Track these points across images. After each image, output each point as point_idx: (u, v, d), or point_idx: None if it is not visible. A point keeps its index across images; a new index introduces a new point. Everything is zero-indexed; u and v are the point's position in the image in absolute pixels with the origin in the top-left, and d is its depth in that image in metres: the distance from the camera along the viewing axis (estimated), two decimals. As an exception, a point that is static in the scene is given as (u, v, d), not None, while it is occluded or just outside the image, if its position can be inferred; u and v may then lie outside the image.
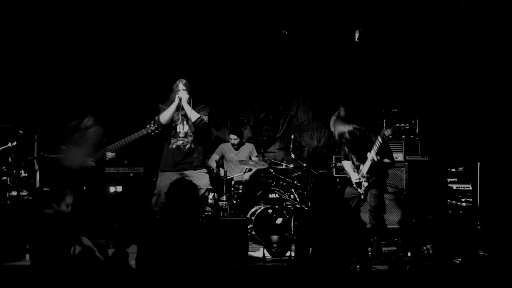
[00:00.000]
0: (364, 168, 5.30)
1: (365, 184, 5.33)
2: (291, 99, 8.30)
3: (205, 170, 5.57)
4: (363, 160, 5.31)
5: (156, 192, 5.32)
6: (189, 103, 5.36)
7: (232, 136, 7.05)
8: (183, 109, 5.34)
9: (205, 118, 5.38)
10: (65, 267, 3.74)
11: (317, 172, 6.58)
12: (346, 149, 5.53)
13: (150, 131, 5.48)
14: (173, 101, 5.37)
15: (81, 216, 5.22)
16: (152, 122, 5.51)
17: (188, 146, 5.41)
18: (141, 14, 6.89)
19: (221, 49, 7.73)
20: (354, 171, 5.48)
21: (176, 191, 3.24)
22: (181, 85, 5.38)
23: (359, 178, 5.38)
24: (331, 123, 5.37)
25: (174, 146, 5.42)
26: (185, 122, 5.43)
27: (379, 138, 5.09)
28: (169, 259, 3.06)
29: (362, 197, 5.39)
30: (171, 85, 5.53)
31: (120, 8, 6.73)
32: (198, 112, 5.38)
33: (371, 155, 5.14)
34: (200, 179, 5.30)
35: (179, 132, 5.43)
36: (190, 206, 3.20)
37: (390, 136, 5.10)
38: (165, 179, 5.22)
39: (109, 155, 5.64)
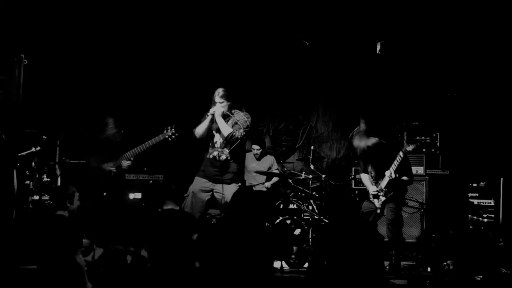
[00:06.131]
0: (383, 183, 5.30)
1: (383, 198, 5.30)
2: (311, 110, 8.29)
3: (239, 184, 5.35)
4: (381, 175, 5.30)
5: (186, 195, 5.26)
6: (226, 115, 5.21)
7: (255, 146, 7.02)
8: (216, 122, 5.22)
9: (237, 133, 5.17)
10: (72, 270, 3.79)
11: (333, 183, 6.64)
12: (366, 164, 5.51)
13: (167, 136, 5.46)
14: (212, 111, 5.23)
15: (101, 221, 5.30)
16: (169, 127, 5.47)
17: (224, 157, 5.23)
18: (164, 22, 6.98)
19: (242, 58, 7.77)
20: (373, 184, 5.45)
21: (239, 201, 3.43)
22: (218, 97, 5.22)
23: (377, 191, 5.35)
24: (353, 137, 5.36)
25: (211, 156, 5.29)
26: (221, 133, 5.26)
27: (401, 153, 5.11)
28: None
29: (378, 211, 5.35)
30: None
31: (147, 15, 6.82)
32: (235, 123, 5.24)
33: (389, 172, 5.14)
34: (229, 191, 5.04)
35: (216, 142, 5.30)
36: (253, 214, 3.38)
37: (411, 150, 5.10)
38: (197, 184, 5.23)
39: (125, 163, 5.63)
